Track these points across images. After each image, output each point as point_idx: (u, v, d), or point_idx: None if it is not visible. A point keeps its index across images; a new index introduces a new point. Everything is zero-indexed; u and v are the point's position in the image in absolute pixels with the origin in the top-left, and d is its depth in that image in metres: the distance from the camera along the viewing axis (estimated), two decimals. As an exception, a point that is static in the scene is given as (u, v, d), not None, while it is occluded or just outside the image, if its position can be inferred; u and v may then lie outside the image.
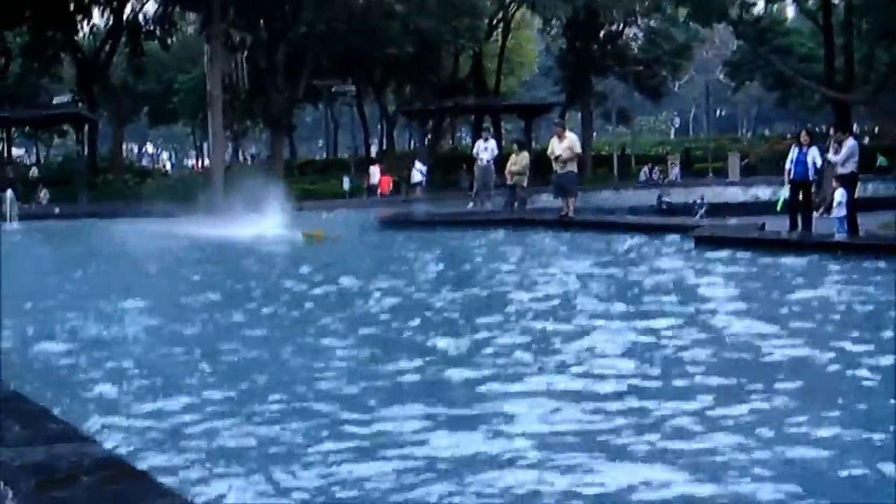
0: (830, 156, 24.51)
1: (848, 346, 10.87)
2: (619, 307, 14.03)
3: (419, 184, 56.20)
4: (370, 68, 70.70)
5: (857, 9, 64.66)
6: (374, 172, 58.06)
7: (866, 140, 71.77)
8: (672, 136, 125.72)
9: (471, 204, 37.27)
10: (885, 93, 65.11)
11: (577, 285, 16.62)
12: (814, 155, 24.21)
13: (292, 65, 60.78)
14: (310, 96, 71.27)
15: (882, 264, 17.84)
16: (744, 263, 19.15)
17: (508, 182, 33.43)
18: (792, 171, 24.41)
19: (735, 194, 47.16)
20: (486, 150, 35.77)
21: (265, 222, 31.09)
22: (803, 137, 24.78)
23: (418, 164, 57.26)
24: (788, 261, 19.07)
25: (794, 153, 24.55)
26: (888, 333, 11.53)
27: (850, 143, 23.77)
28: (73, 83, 73.54)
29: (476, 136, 70.00)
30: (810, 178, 24.39)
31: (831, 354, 10.41)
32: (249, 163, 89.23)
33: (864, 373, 9.58)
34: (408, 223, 32.69)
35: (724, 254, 20.37)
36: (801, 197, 24.44)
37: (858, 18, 65.99)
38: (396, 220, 34.23)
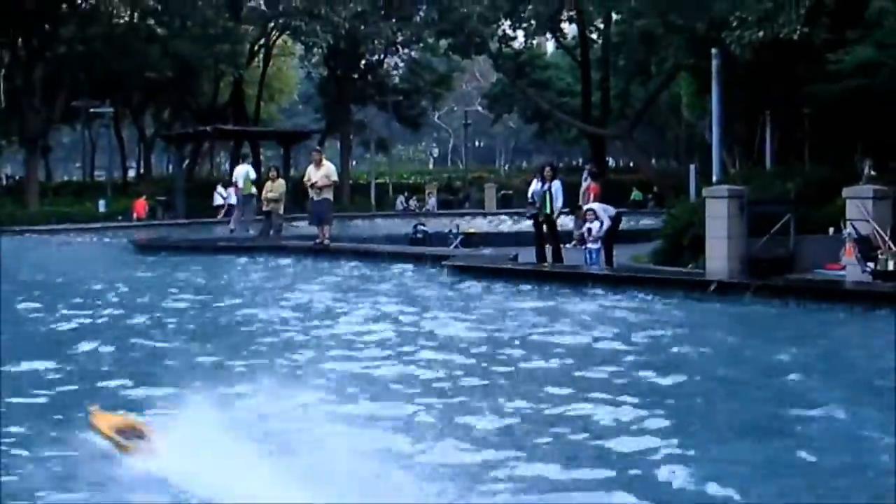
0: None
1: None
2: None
3: (221, 207, 56.12)
4: (129, 91, 69.38)
5: (614, 46, 66.76)
6: (231, 193, 57.45)
7: (615, 176, 73.73)
8: (431, 166, 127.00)
9: (233, 227, 37.15)
10: (640, 128, 67.36)
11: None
12: (556, 188, 24.48)
13: (50, 84, 59.20)
14: (67, 117, 69.49)
15: (618, 295, 18.38)
16: (487, 292, 19.46)
17: (265, 209, 33.35)
18: (535, 204, 24.61)
19: (491, 225, 47.87)
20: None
21: None
22: (546, 172, 25.03)
23: (219, 188, 57.28)
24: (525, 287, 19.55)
25: (536, 186, 24.80)
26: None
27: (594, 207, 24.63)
28: None
29: (235, 162, 69.65)
30: (555, 211, 24.61)
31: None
32: (3, 183, 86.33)
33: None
34: (163, 248, 32.21)
35: (473, 283, 20.69)
36: (545, 229, 24.72)
37: (615, 55, 68.15)
38: (152, 244, 33.77)
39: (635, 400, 9.74)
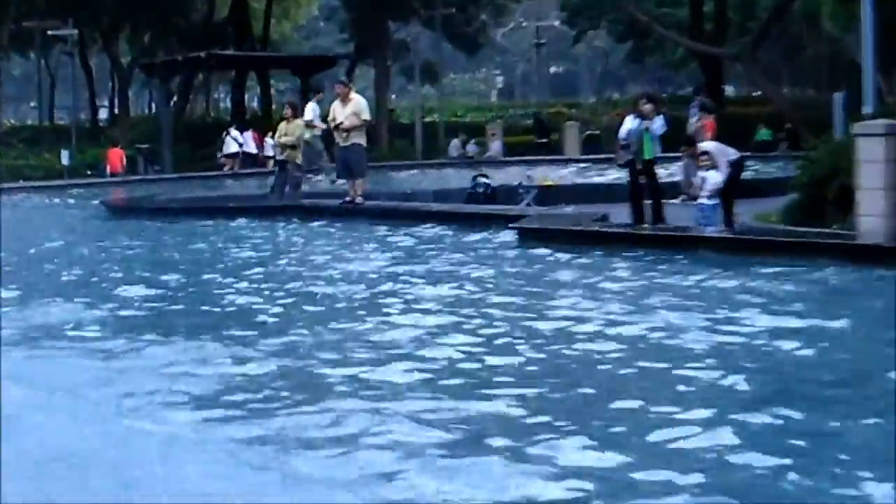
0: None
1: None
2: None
3: (235, 155, 55.99)
4: (97, 7, 69.56)
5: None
6: (248, 138, 57.52)
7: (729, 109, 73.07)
8: (493, 100, 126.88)
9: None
10: (767, 45, 66.53)
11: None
12: (657, 126, 24.28)
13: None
14: (19, 42, 69.93)
15: (741, 266, 18.05)
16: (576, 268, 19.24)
17: (278, 157, 33.36)
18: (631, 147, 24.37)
19: (574, 175, 47.70)
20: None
21: None
22: (643, 105, 24.83)
23: (233, 132, 57.09)
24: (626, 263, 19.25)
25: (632, 124, 24.50)
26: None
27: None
28: None
29: (237, 97, 69.84)
30: (654, 155, 24.50)
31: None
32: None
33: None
34: (142, 211, 32.39)
35: (549, 252, 20.53)
36: (643, 180, 24.55)
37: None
38: (129, 206, 33.96)
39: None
